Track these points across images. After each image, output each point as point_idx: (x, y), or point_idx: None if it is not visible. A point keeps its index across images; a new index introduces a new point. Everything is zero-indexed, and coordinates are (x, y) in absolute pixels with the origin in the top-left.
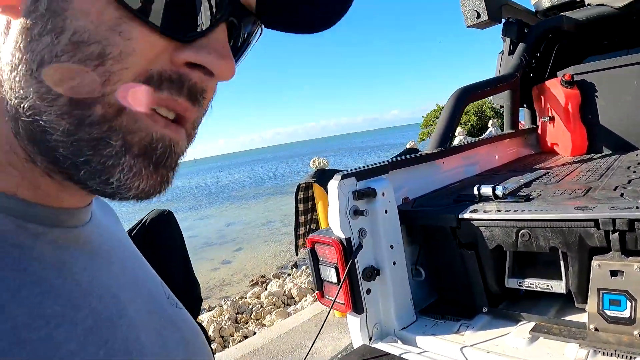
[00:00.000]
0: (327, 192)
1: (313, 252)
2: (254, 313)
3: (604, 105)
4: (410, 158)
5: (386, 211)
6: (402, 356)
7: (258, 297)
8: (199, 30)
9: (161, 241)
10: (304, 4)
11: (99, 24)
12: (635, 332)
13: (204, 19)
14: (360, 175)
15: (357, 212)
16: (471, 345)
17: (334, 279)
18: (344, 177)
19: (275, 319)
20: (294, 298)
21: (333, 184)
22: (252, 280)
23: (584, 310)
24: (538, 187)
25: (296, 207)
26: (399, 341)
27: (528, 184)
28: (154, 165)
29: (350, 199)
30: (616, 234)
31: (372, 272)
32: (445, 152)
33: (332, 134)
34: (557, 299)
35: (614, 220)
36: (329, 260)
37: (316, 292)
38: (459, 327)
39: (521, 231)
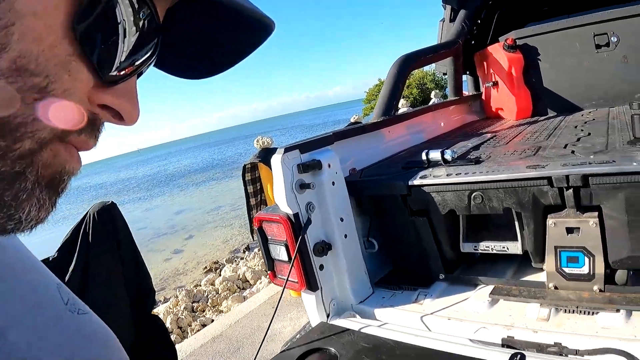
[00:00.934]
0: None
1: (261, 231)
2: (210, 300)
3: (547, 68)
4: (355, 128)
5: (333, 183)
6: (361, 330)
7: (212, 284)
8: (122, 74)
9: (108, 234)
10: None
11: (50, 56)
12: (595, 287)
13: (132, 64)
14: (304, 147)
15: (303, 186)
16: (431, 314)
17: (285, 257)
18: (286, 150)
19: (232, 304)
20: (248, 281)
21: (276, 158)
22: (206, 267)
23: (541, 270)
24: (487, 149)
25: (245, 189)
26: (357, 315)
27: (476, 147)
28: (56, 195)
29: (295, 172)
30: (570, 191)
31: (323, 247)
32: (390, 121)
33: (277, 114)
34: (513, 261)
35: (567, 176)
36: (278, 238)
37: (268, 272)
38: (417, 296)
39: (474, 194)
